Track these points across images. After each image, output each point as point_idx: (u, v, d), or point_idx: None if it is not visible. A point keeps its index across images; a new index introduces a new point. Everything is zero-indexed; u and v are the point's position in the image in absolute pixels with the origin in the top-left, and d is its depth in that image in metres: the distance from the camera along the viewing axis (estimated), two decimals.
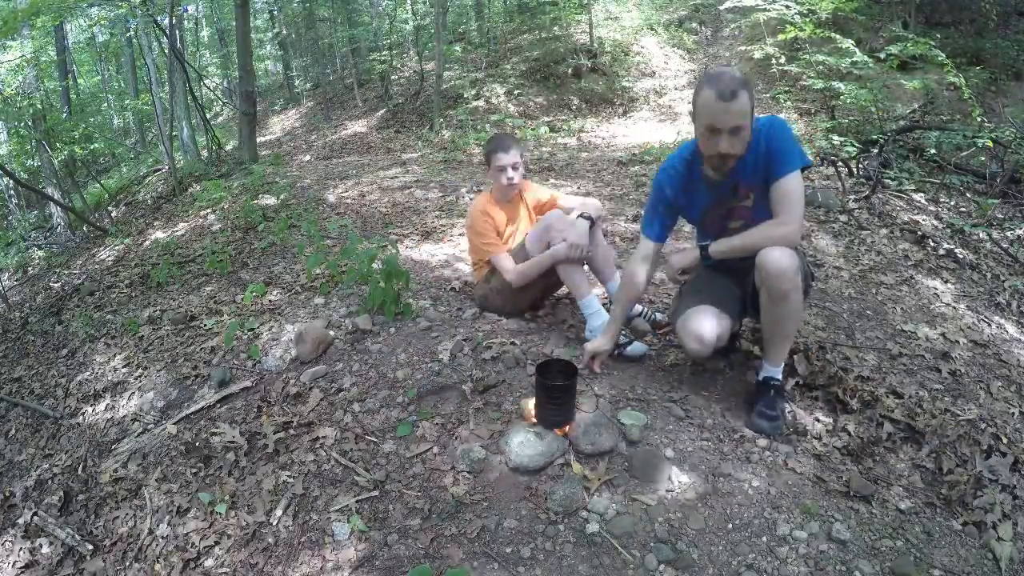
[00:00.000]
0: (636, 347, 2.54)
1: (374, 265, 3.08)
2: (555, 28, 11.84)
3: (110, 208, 9.25)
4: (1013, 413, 2.34)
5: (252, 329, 3.08)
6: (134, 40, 13.14)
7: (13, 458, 2.94)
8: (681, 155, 2.20)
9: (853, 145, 5.34)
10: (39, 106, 9.51)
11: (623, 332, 2.55)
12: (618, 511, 1.80)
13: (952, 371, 2.54)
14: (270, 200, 5.76)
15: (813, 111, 8.01)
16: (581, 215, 2.61)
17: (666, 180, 2.21)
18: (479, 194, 2.96)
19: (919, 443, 2.14)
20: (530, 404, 2.13)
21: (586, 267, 2.76)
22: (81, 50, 19.22)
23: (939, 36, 7.10)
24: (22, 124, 9.26)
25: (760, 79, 9.10)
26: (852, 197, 4.43)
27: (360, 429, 2.25)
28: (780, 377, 2.22)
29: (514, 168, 2.74)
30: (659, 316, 2.88)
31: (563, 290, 3.07)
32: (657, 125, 8.96)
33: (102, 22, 12.52)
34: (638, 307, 2.83)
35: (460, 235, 4.34)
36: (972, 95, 5.30)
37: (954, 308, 3.09)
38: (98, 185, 11.20)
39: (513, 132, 8.91)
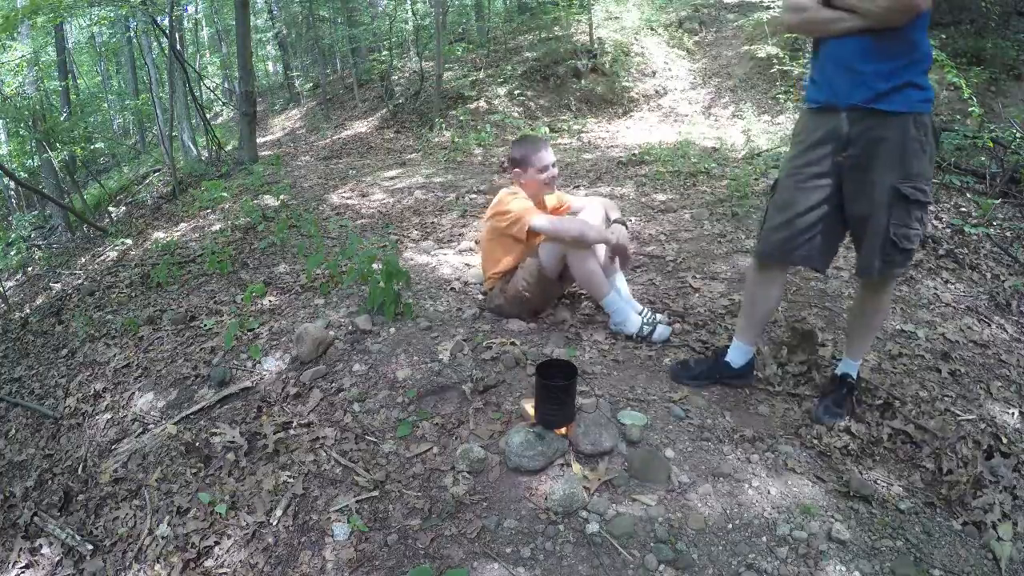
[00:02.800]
0: (661, 331, 2.67)
1: (374, 265, 3.08)
2: (555, 28, 11.84)
3: (110, 208, 9.25)
4: (1013, 413, 2.34)
5: (252, 329, 3.08)
6: (134, 40, 13.14)
7: (13, 458, 2.94)
8: None
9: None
10: (38, 107, 9.51)
11: (645, 320, 2.69)
12: (618, 511, 1.80)
13: (952, 371, 2.54)
14: (270, 200, 5.77)
15: None
16: (615, 221, 2.73)
17: None
18: (504, 188, 2.85)
19: (919, 443, 2.14)
20: (530, 404, 2.13)
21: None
22: (81, 50, 19.24)
23: (941, 36, 7.10)
24: (22, 124, 9.27)
25: (761, 79, 9.09)
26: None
27: (360, 429, 2.25)
28: (854, 374, 2.26)
29: (553, 166, 2.76)
30: (659, 317, 2.87)
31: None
32: (658, 125, 8.95)
33: (102, 22, 12.51)
34: (638, 305, 2.84)
35: (460, 235, 4.34)
36: (972, 95, 5.30)
37: (954, 308, 3.09)
38: (98, 185, 11.21)
39: (514, 130, 8.91)
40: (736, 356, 2.32)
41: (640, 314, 2.74)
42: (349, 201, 5.71)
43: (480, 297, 3.15)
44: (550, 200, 2.95)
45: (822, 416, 2.19)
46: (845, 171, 1.90)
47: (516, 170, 2.76)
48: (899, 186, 1.84)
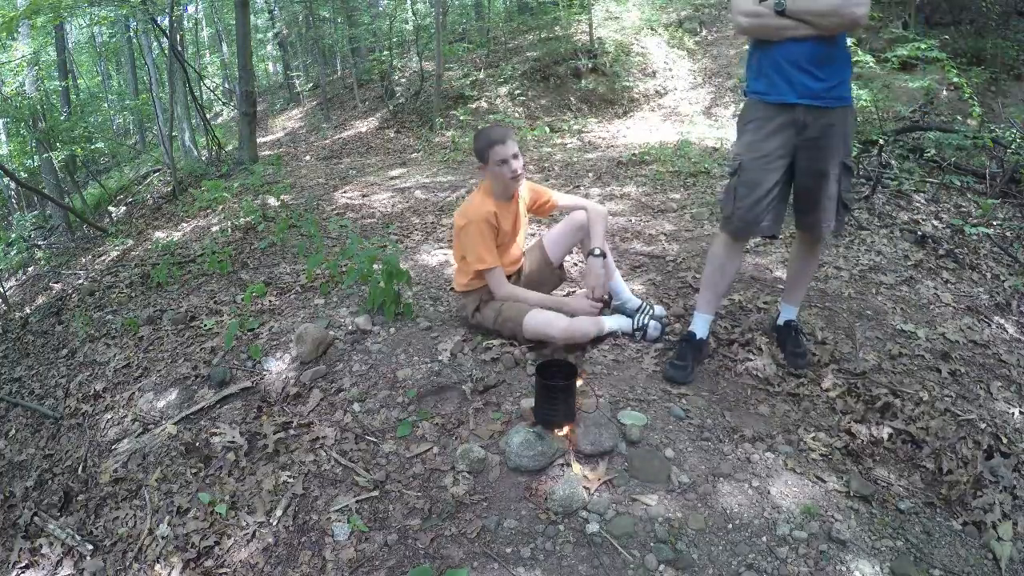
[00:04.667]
0: (653, 326, 2.65)
1: (374, 265, 3.08)
2: (556, 28, 11.84)
3: (110, 208, 9.26)
4: (1013, 413, 2.34)
5: (252, 329, 3.08)
6: (134, 40, 13.14)
7: (13, 458, 2.94)
8: None
9: (853, 145, 5.33)
10: (38, 107, 9.51)
11: (642, 311, 2.70)
12: (618, 511, 1.80)
13: (952, 371, 2.54)
14: (271, 200, 5.77)
15: None
16: (592, 252, 2.54)
17: None
18: (472, 194, 2.68)
19: (919, 443, 2.14)
20: (530, 404, 2.13)
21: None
22: (81, 50, 19.25)
23: (944, 36, 7.09)
24: (22, 124, 9.27)
25: None
26: (855, 197, 4.43)
27: (360, 429, 2.25)
28: (795, 318, 2.61)
29: (515, 158, 2.44)
30: (658, 309, 2.88)
31: (562, 289, 3.07)
32: (659, 125, 8.94)
33: (102, 22, 12.51)
34: (636, 301, 2.82)
35: None
36: (973, 95, 5.29)
37: (954, 308, 3.08)
38: (98, 185, 11.21)
39: (510, 127, 8.90)
40: (704, 330, 2.52)
41: (639, 310, 2.74)
42: (350, 201, 5.71)
43: None
44: (526, 195, 2.72)
45: (796, 363, 2.48)
46: (800, 151, 2.22)
47: (480, 165, 2.53)
48: (844, 160, 2.24)
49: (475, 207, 2.53)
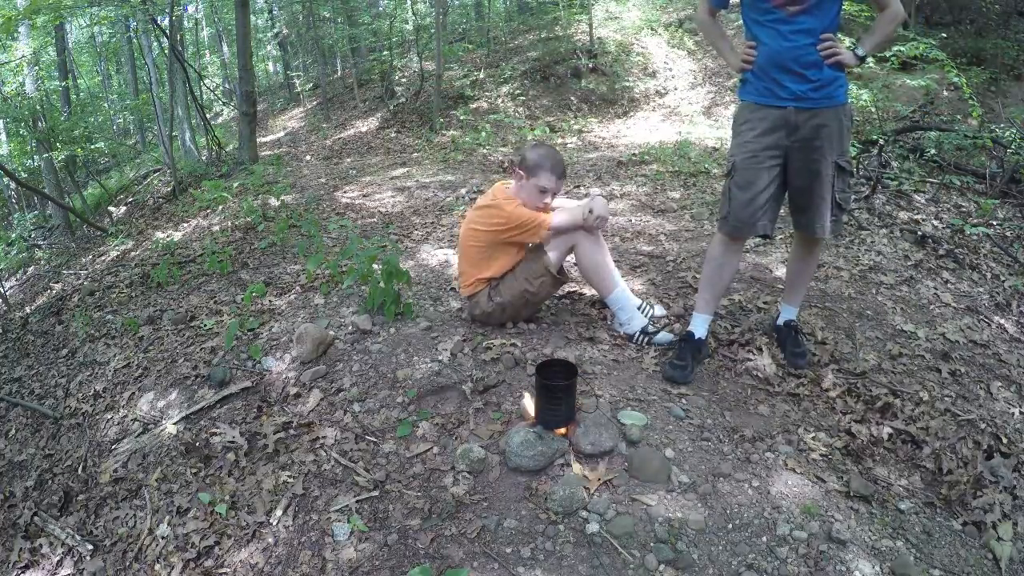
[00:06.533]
0: (663, 336, 2.66)
1: (374, 265, 3.08)
2: (556, 28, 11.85)
3: (110, 208, 9.26)
4: (1013, 413, 2.34)
5: (252, 329, 3.08)
6: (134, 40, 13.14)
7: (13, 458, 2.94)
8: None
9: (853, 145, 5.34)
10: (38, 107, 9.51)
11: (650, 321, 2.73)
12: (618, 511, 1.80)
13: (952, 371, 2.54)
14: (271, 200, 5.77)
15: None
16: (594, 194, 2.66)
17: None
18: (495, 188, 2.72)
19: (919, 443, 2.14)
20: (530, 404, 2.13)
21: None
22: (81, 50, 19.24)
23: (944, 36, 7.10)
24: (22, 124, 9.27)
25: None
26: (852, 197, 4.43)
27: (360, 429, 2.25)
28: (795, 318, 2.62)
29: (552, 195, 2.64)
30: (658, 308, 2.89)
31: (562, 289, 3.08)
32: (659, 125, 8.94)
33: (102, 22, 12.50)
34: (636, 300, 2.82)
35: None
36: (972, 95, 5.30)
37: (954, 308, 3.09)
38: (98, 185, 11.21)
39: (514, 129, 8.91)
40: (703, 330, 2.52)
41: (640, 308, 2.74)
42: (350, 201, 5.71)
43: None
44: None
45: (796, 363, 2.49)
46: (792, 152, 2.22)
47: (520, 171, 2.62)
48: (838, 161, 2.23)
49: (500, 192, 2.65)
